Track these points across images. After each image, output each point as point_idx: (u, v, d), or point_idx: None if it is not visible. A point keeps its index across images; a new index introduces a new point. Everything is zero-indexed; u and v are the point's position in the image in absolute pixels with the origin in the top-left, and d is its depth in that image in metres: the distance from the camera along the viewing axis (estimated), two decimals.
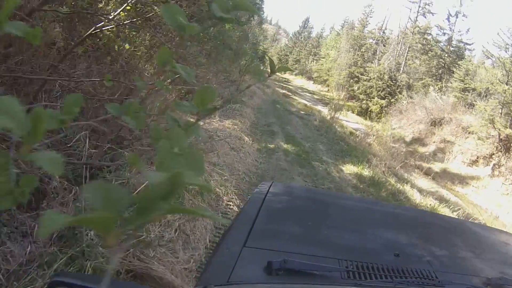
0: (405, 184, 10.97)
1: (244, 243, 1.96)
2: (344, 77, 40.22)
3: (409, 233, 2.58)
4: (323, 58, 51.63)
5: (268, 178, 7.72)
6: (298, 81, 55.14)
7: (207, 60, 11.61)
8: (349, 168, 10.28)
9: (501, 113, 21.07)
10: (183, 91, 8.86)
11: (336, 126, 18.76)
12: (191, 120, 1.00)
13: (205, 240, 4.66)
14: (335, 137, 14.47)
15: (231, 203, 6.04)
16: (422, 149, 24.55)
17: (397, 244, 2.33)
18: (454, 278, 1.93)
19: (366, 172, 10.22)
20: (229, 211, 5.76)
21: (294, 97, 33.92)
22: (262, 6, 54.61)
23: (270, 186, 2.81)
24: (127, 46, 6.48)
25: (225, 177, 6.60)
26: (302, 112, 20.88)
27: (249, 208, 2.47)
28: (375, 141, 17.62)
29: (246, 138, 9.72)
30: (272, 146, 10.39)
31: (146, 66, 7.23)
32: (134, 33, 6.71)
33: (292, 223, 2.38)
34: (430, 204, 9.75)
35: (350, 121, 27.19)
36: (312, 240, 2.24)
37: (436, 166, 21.88)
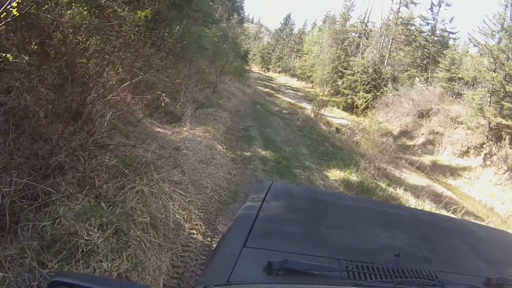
0: (398, 187, 9.78)
1: (244, 243, 1.95)
2: (327, 73, 39.82)
3: (409, 233, 2.54)
4: (306, 54, 51.25)
5: (241, 194, 6.70)
6: (281, 78, 54.78)
7: (174, 61, 10.69)
8: (335, 174, 9.19)
9: (490, 102, 20.44)
10: (150, 97, 7.98)
11: (321, 124, 17.80)
12: None
13: None
14: (320, 138, 13.47)
15: (194, 231, 4.97)
16: (410, 142, 23.82)
17: (397, 244, 2.28)
18: (454, 278, 1.92)
19: (354, 177, 9.11)
20: (191, 243, 4.72)
21: (278, 95, 33.23)
22: (243, 5, 54.79)
23: (270, 186, 2.81)
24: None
25: (189, 198, 5.51)
26: (285, 112, 19.86)
27: (249, 208, 2.47)
28: (362, 138, 16.51)
29: (219, 146, 8.72)
30: (248, 154, 9.32)
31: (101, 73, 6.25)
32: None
33: (292, 223, 2.36)
34: (428, 209, 8.82)
35: (336, 116, 26.40)
36: (312, 240, 2.22)
37: (427, 159, 21.19)
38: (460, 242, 2.58)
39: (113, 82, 7.06)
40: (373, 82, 32.33)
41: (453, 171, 19.83)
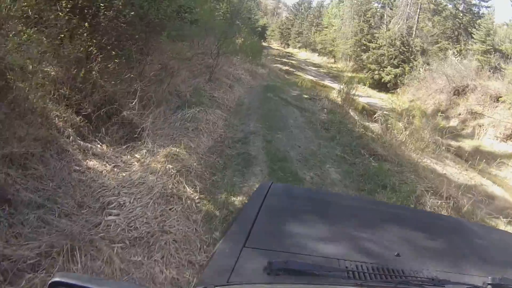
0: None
1: (244, 243, 1.90)
2: (350, 47, 36.73)
3: (409, 233, 2.46)
4: (326, 28, 47.89)
5: None
6: (302, 54, 51.88)
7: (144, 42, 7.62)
8: None
9: None
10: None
11: (352, 113, 13.91)
12: None
13: None
14: (354, 141, 9.22)
15: None
16: (446, 123, 20.93)
17: (397, 244, 2.19)
18: (454, 278, 1.86)
19: None
20: None
21: (298, 73, 30.54)
22: None
23: (270, 186, 2.70)
24: None
25: None
26: (306, 97, 15.43)
27: (249, 208, 2.45)
28: (407, 134, 12.70)
29: (188, 189, 5.00)
30: (239, 199, 5.28)
31: None
32: None
33: (292, 223, 2.30)
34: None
35: (362, 95, 22.85)
36: (312, 240, 2.13)
37: (466, 144, 18.46)
38: (460, 242, 2.50)
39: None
40: (402, 56, 28.72)
41: (497, 159, 16.85)
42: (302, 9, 63.47)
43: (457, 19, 28.75)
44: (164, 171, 5.04)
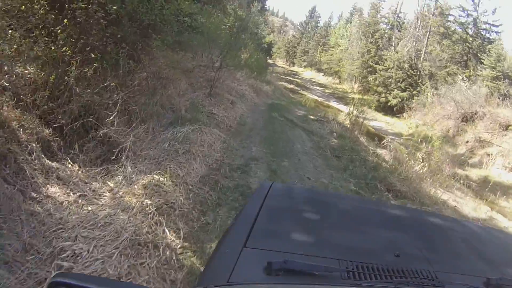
0: None
1: (244, 243, 1.89)
2: (357, 68, 35.86)
3: (409, 233, 2.46)
4: (333, 48, 47.19)
5: None
6: (307, 73, 51.17)
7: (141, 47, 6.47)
8: None
9: None
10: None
11: (362, 139, 13.03)
12: None
13: None
14: (369, 173, 8.27)
15: None
16: (453, 150, 20.13)
17: (397, 244, 2.21)
18: (454, 278, 1.89)
19: None
20: None
21: (303, 92, 29.86)
22: None
23: (270, 186, 2.66)
24: None
25: None
26: (312, 118, 14.46)
27: (249, 208, 2.39)
28: (425, 166, 11.61)
29: (170, 235, 4.09)
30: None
31: None
32: None
33: (292, 223, 2.29)
34: None
35: (368, 118, 22.29)
36: (312, 240, 2.15)
37: (474, 173, 17.63)
38: (460, 242, 2.50)
39: None
40: (409, 79, 27.87)
41: (506, 190, 16.00)
42: (309, 28, 62.95)
43: (466, 44, 27.95)
44: (140, 208, 4.07)
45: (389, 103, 27.45)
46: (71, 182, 4.25)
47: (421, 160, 11.45)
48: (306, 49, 58.34)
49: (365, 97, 29.32)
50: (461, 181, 12.60)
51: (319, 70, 49.89)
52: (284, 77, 36.38)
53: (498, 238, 2.85)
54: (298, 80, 38.92)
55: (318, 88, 37.12)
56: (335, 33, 52.02)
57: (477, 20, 28.41)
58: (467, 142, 20.88)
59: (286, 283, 1.63)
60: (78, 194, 4.17)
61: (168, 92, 7.99)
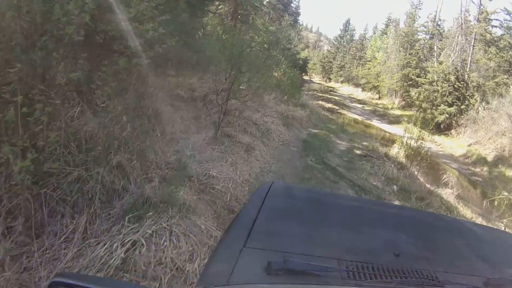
0: None
1: (244, 243, 1.88)
2: (397, 81, 33.91)
3: (409, 233, 2.42)
4: (370, 61, 45.54)
5: None
6: (344, 89, 49.98)
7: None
8: None
9: None
10: None
11: (423, 182, 10.45)
12: None
13: None
14: None
15: None
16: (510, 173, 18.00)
17: (397, 244, 2.18)
18: (454, 278, 1.85)
19: None
20: None
21: (343, 111, 28.30)
22: (299, 10, 50.86)
23: (270, 186, 2.66)
24: None
25: None
26: (358, 153, 11.91)
27: (249, 208, 2.38)
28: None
29: None
30: None
31: None
32: None
33: (292, 223, 2.25)
34: None
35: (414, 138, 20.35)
36: (312, 240, 2.12)
37: None
38: (460, 242, 2.47)
39: None
40: (456, 93, 25.41)
41: None
42: (344, 42, 61.56)
43: None
44: None
45: (436, 119, 25.08)
46: None
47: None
48: (342, 64, 57.15)
49: (407, 112, 27.46)
50: None
51: (356, 85, 48.41)
52: (321, 94, 34.88)
53: (498, 238, 2.82)
54: (336, 97, 37.38)
55: (358, 105, 35.41)
56: (371, 45, 50.39)
57: None
58: None
59: (286, 283, 1.61)
60: None
61: (154, 136, 5.55)
